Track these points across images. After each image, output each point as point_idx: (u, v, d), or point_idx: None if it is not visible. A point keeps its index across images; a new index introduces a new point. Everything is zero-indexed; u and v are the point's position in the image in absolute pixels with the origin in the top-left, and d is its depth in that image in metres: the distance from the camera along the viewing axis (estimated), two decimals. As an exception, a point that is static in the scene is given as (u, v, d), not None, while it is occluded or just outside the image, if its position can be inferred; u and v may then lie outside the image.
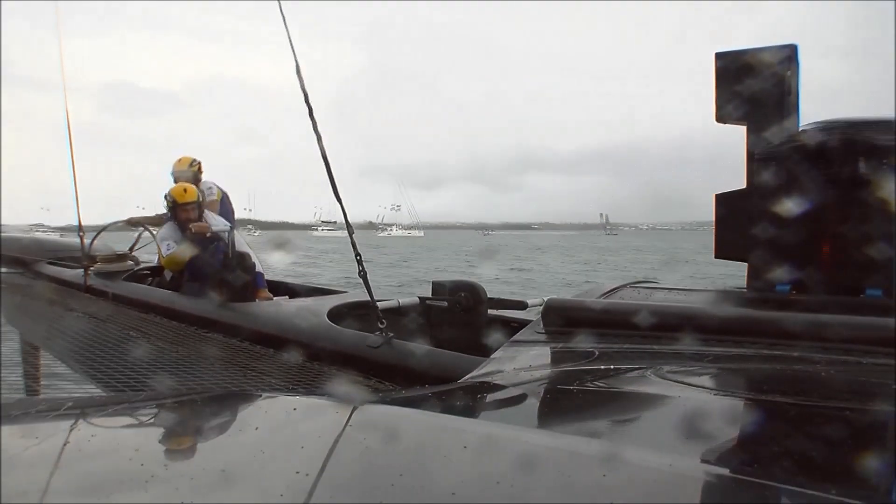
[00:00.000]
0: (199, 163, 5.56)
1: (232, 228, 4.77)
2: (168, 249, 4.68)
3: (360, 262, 3.19)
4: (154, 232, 5.94)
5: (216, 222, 4.81)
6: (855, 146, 1.88)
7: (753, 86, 2.02)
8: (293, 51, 3.12)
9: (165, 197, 4.78)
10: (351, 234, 3.25)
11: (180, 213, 4.69)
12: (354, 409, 1.07)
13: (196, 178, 5.44)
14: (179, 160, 5.54)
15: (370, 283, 3.15)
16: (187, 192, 4.75)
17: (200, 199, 4.82)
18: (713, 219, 2.21)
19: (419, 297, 3.71)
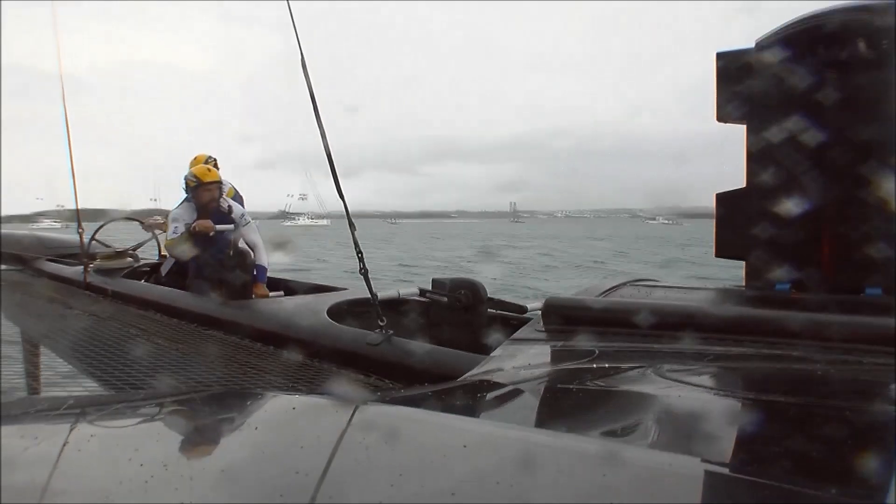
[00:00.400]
0: (215, 159, 5.56)
1: (237, 227, 4.77)
2: (175, 233, 4.65)
3: (361, 259, 3.19)
4: (156, 233, 5.95)
5: (237, 210, 4.79)
6: (854, 29, 1.87)
7: (754, 85, 2.02)
8: (299, 46, 3.11)
9: (186, 177, 4.72)
10: (353, 231, 3.25)
11: (203, 193, 4.63)
12: (354, 408, 1.07)
13: None
14: (195, 158, 5.55)
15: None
16: (211, 172, 4.70)
17: (221, 181, 4.79)
18: (715, 216, 2.21)
19: (419, 289, 3.70)
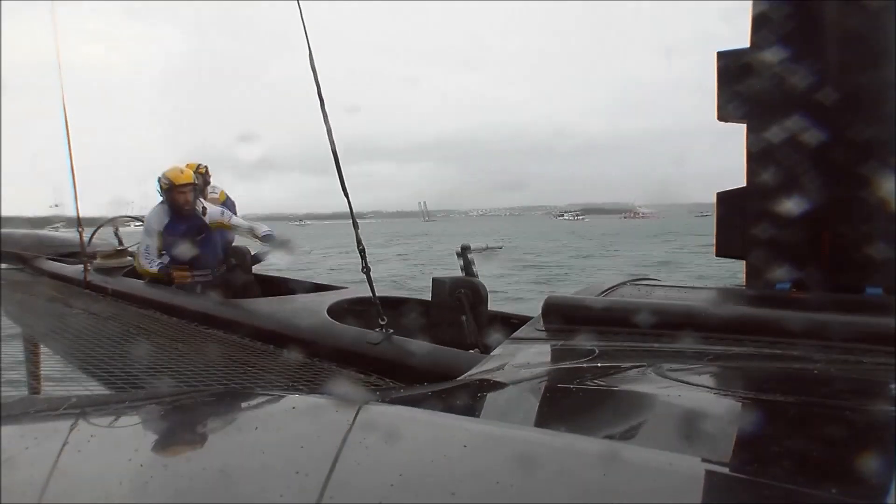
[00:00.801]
0: (206, 167, 5.54)
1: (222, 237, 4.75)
2: (146, 258, 4.55)
3: (363, 257, 3.20)
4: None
5: (213, 212, 4.72)
6: None
7: (754, 84, 2.02)
8: (308, 43, 3.11)
9: (159, 180, 4.65)
10: (356, 229, 3.26)
11: (177, 196, 4.54)
12: (354, 407, 1.07)
13: (205, 182, 5.44)
14: (186, 166, 5.56)
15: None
16: (184, 174, 4.61)
17: (198, 182, 4.74)
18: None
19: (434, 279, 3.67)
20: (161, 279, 4.59)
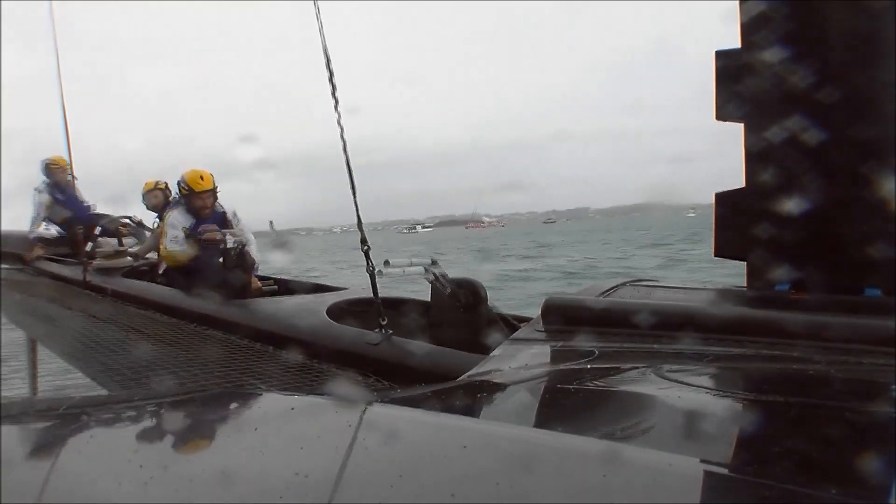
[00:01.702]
0: (166, 183, 5.59)
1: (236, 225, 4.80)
2: (174, 242, 4.62)
3: (367, 258, 3.20)
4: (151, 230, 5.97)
5: (229, 211, 4.78)
6: None
7: (752, 84, 2.02)
8: (324, 46, 3.12)
9: (179, 183, 4.71)
10: (362, 230, 3.27)
11: (195, 201, 4.61)
12: (354, 408, 1.07)
13: (165, 197, 5.50)
14: (145, 184, 5.60)
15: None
16: (204, 180, 4.64)
17: (217, 187, 4.77)
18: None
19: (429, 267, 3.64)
20: (181, 262, 4.59)
